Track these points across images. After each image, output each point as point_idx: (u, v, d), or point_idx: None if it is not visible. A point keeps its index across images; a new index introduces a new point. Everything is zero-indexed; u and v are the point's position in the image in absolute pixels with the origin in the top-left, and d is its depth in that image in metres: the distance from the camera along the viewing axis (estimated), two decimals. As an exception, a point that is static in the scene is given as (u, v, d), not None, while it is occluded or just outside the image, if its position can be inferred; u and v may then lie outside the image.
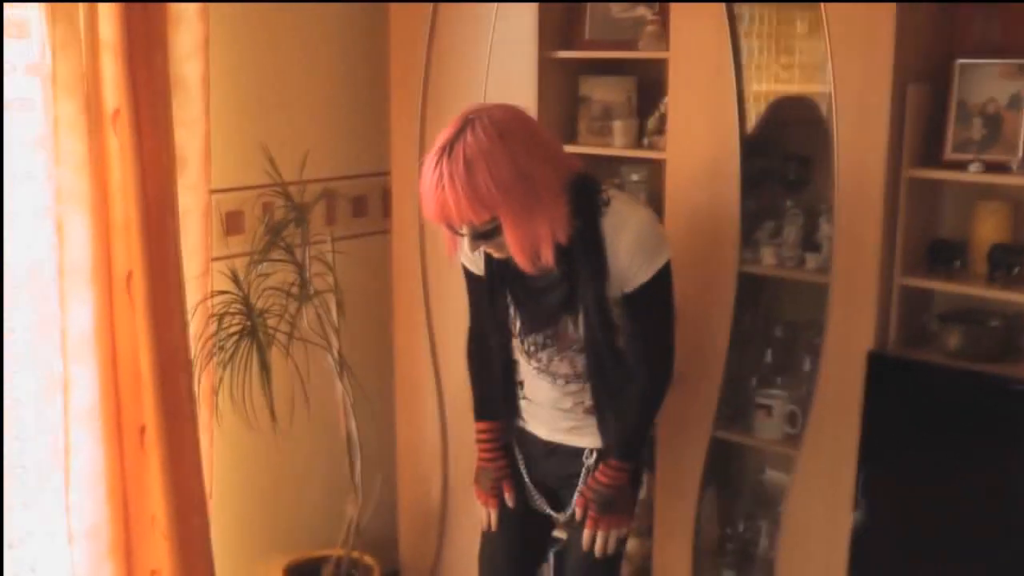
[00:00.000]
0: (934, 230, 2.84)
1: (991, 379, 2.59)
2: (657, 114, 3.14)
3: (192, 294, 3.05)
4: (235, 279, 2.99)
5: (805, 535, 2.91)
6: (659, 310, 2.49)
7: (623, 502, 2.59)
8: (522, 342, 2.55)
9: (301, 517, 3.76)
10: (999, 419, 2.58)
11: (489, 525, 2.75)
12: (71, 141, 2.79)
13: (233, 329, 2.99)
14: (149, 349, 2.85)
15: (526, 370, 2.61)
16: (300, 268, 3.15)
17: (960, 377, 2.63)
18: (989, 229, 2.71)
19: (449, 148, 2.20)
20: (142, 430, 2.94)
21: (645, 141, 3.16)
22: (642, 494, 3.25)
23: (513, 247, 2.29)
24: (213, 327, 3.00)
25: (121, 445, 2.97)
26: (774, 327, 3.10)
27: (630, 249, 2.37)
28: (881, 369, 2.68)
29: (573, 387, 2.56)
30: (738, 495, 3.29)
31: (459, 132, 2.21)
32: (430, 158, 2.23)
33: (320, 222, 3.52)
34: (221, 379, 3.04)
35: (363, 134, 3.70)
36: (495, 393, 2.69)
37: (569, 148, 3.23)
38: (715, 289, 2.94)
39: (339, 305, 3.29)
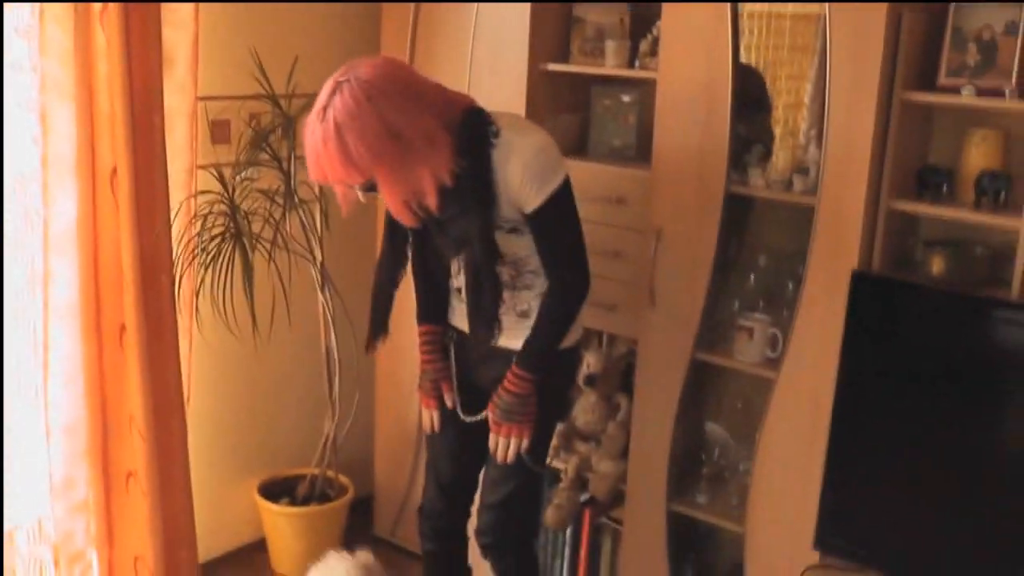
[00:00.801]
0: (924, 156, 2.83)
1: (974, 301, 2.59)
2: (650, 37, 3.12)
3: (176, 195, 3.02)
4: (220, 179, 2.97)
5: (781, 459, 2.92)
6: (560, 229, 2.55)
7: (525, 411, 2.62)
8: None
9: (278, 434, 3.77)
10: (980, 342, 2.58)
11: (432, 427, 2.84)
12: (57, 32, 2.77)
13: (217, 230, 2.97)
14: (131, 247, 2.83)
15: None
16: (286, 174, 3.13)
17: (943, 298, 2.63)
18: (979, 156, 2.70)
19: (323, 112, 2.24)
20: (122, 329, 2.93)
21: (637, 63, 3.14)
22: (620, 416, 3.28)
23: (390, 203, 2.38)
24: (196, 228, 2.97)
25: (100, 343, 2.95)
26: (759, 253, 3.10)
27: (519, 175, 2.42)
28: (864, 290, 2.67)
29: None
30: (717, 420, 3.29)
31: (331, 96, 2.24)
32: (309, 121, 2.28)
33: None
34: (202, 281, 3.03)
35: (354, 49, 3.65)
36: (432, 299, 2.78)
37: (560, 68, 3.23)
38: (701, 210, 2.93)
39: (324, 214, 3.27)
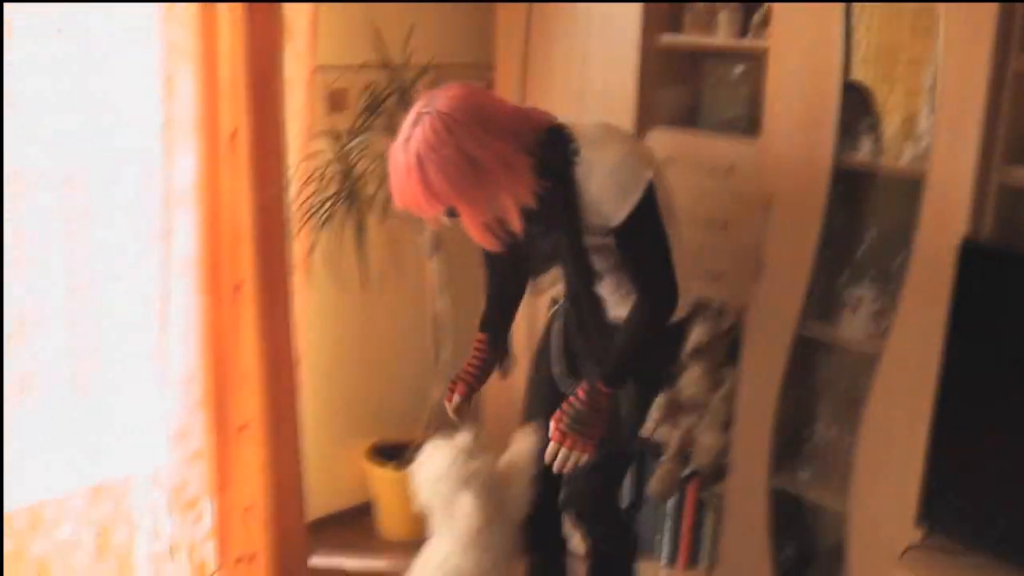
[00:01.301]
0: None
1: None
2: (763, 8, 3.10)
3: (294, 158, 3.13)
4: (335, 141, 3.05)
5: (886, 436, 2.88)
6: (645, 242, 2.53)
7: (594, 426, 2.57)
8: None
9: (387, 398, 3.86)
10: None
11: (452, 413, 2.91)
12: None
13: (330, 191, 3.06)
14: (249, 205, 2.95)
15: None
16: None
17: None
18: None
19: (406, 144, 2.30)
20: (238, 286, 3.04)
21: (749, 34, 3.12)
22: (724, 388, 3.27)
23: (471, 229, 2.43)
24: (311, 189, 3.07)
25: (218, 298, 3.07)
26: (869, 227, 3.05)
27: (600, 191, 2.43)
28: (972, 260, 2.60)
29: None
30: (820, 396, 3.25)
31: (412, 127, 2.30)
32: (393, 150, 2.35)
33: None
34: (315, 241, 3.12)
35: (470, 24, 3.72)
36: (499, 311, 2.88)
37: (673, 39, 3.23)
38: (810, 180, 2.91)
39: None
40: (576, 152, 2.44)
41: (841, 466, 3.06)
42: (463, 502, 2.71)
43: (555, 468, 2.59)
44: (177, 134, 2.95)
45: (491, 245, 2.47)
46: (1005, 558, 2.66)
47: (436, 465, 2.75)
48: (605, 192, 2.43)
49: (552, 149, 2.43)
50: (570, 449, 2.56)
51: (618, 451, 2.79)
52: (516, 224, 2.40)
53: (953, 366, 2.67)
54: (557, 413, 2.59)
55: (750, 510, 3.20)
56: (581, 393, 2.57)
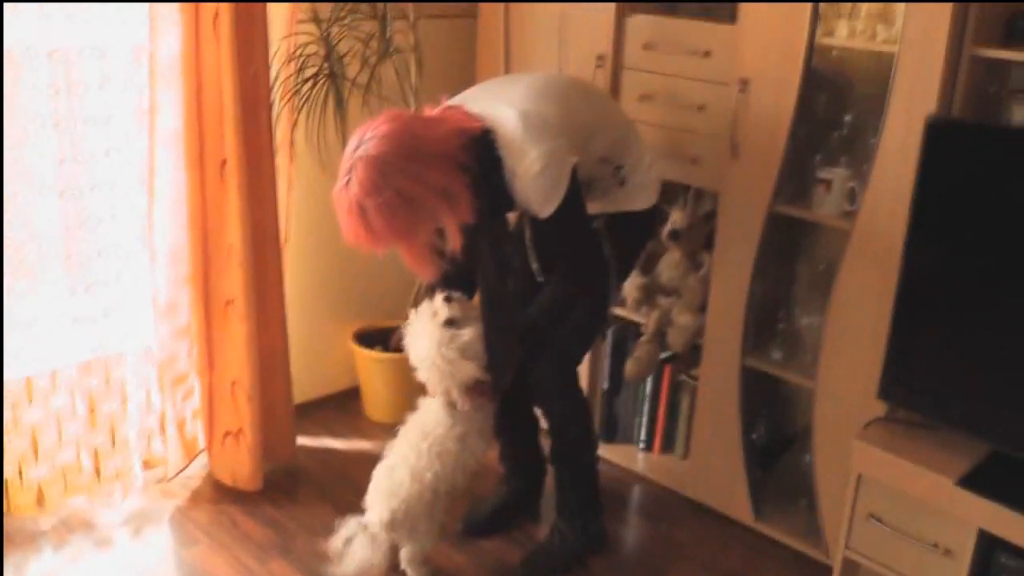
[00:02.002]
0: (1019, 6, 2.77)
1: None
2: None
3: (276, 39, 3.16)
4: (316, 19, 3.09)
5: (853, 314, 2.94)
6: (566, 236, 2.72)
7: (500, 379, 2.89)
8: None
9: (372, 285, 3.92)
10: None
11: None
12: None
13: (311, 71, 3.10)
14: (232, 82, 2.99)
15: None
16: (381, 20, 3.24)
17: (1018, 140, 2.59)
18: (1073, 3, 2.65)
19: (346, 187, 2.40)
20: (223, 163, 3.09)
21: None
22: (702, 271, 3.33)
23: (410, 262, 2.60)
24: (293, 67, 3.11)
25: (203, 174, 3.13)
26: (845, 109, 3.09)
27: (526, 193, 2.59)
28: (939, 136, 2.64)
29: None
30: (793, 278, 3.32)
31: (348, 173, 2.40)
32: (336, 191, 2.44)
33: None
34: (296, 120, 3.17)
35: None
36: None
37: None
38: (785, 61, 2.94)
39: (419, 64, 3.38)
40: (500, 160, 2.56)
41: (813, 347, 3.14)
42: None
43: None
44: (161, 9, 2.98)
45: (428, 275, 2.64)
46: (962, 430, 2.74)
47: (425, 332, 2.85)
48: (531, 194, 2.59)
49: (482, 161, 2.52)
50: (468, 396, 2.87)
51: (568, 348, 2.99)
52: (456, 243, 2.51)
53: (918, 243, 2.72)
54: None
55: (722, 389, 3.28)
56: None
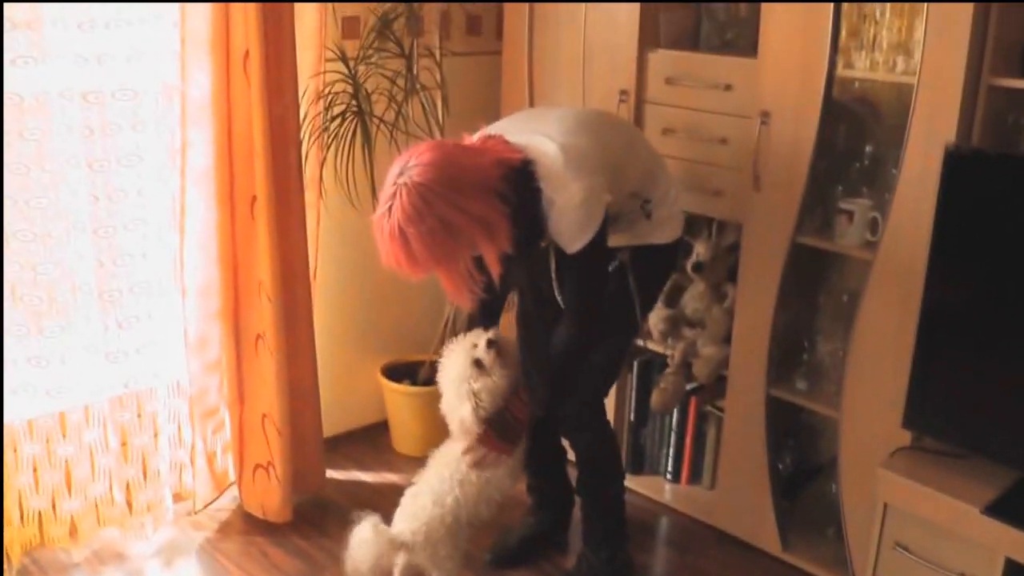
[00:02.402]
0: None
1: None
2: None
3: (305, 78, 3.23)
4: (343, 58, 3.15)
5: (876, 343, 2.96)
6: (580, 278, 2.75)
7: (514, 438, 2.95)
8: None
9: (401, 318, 3.98)
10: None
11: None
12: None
13: (338, 108, 3.16)
14: (262, 120, 3.05)
15: None
16: (408, 58, 3.30)
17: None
18: (1089, 32, 2.67)
19: (388, 213, 2.41)
20: (253, 200, 3.15)
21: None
22: (727, 302, 3.36)
23: (450, 290, 2.59)
24: (321, 105, 3.17)
25: (233, 211, 3.19)
26: (866, 140, 3.12)
27: (560, 226, 2.62)
28: (958, 166, 2.66)
29: None
30: (817, 308, 3.33)
31: (391, 199, 2.40)
32: (377, 217, 2.45)
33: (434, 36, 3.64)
34: (325, 158, 3.23)
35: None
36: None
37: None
38: (805, 94, 2.97)
39: (445, 101, 3.43)
40: (540, 191, 2.58)
41: (837, 376, 3.15)
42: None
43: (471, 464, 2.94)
44: (191, 49, 3.06)
45: (466, 303, 2.62)
46: (989, 458, 2.74)
47: (456, 364, 2.90)
48: (564, 227, 2.62)
49: (521, 192, 2.54)
50: (488, 450, 2.91)
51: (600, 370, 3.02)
52: (496, 272, 2.55)
53: (939, 271, 2.74)
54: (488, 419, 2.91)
55: (748, 420, 3.30)
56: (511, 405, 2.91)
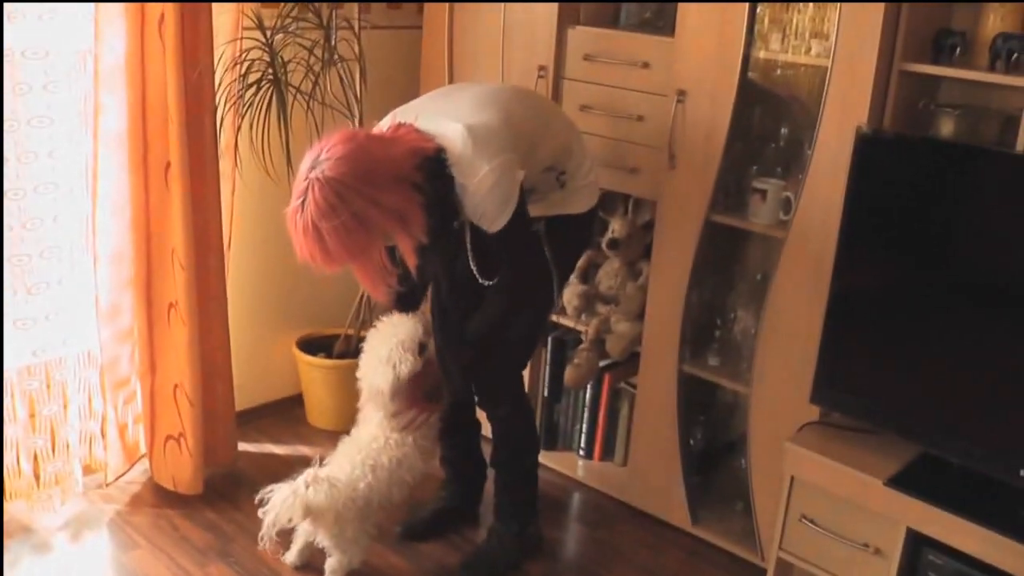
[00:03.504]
0: (947, 21, 2.86)
1: (970, 151, 2.63)
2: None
3: (220, 43, 3.18)
4: (260, 26, 3.12)
5: (787, 320, 3.01)
6: (512, 248, 2.74)
7: (437, 392, 2.99)
8: None
9: (316, 293, 3.93)
10: (978, 196, 2.63)
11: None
12: None
13: (254, 76, 3.13)
14: (176, 85, 3.00)
15: None
16: (326, 29, 3.27)
17: (942, 152, 2.68)
18: (997, 21, 2.73)
19: (300, 207, 2.38)
20: (167, 166, 3.10)
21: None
22: (640, 279, 3.39)
23: (363, 282, 2.62)
24: (237, 72, 3.14)
25: (146, 177, 3.14)
26: (781, 122, 3.16)
27: (478, 209, 2.63)
28: (868, 148, 2.72)
29: None
30: (730, 286, 3.38)
31: (304, 193, 2.38)
32: (290, 212, 2.43)
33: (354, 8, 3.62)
34: (240, 126, 3.19)
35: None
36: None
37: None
38: (721, 74, 3.01)
39: (363, 74, 3.41)
40: (453, 178, 2.58)
41: (749, 353, 3.20)
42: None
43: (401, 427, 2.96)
44: (105, 13, 3.00)
45: (381, 295, 2.64)
46: (893, 433, 2.82)
47: (386, 341, 2.89)
48: (482, 211, 2.62)
49: (435, 181, 2.53)
50: (418, 412, 2.96)
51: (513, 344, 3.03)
52: (412, 262, 2.55)
53: (848, 251, 2.81)
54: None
55: (661, 398, 3.34)
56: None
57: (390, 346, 2.89)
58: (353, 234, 2.38)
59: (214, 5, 3.12)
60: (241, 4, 3.28)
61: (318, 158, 2.39)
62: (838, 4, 2.77)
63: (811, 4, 2.94)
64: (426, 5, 3.66)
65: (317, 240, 2.37)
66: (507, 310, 2.84)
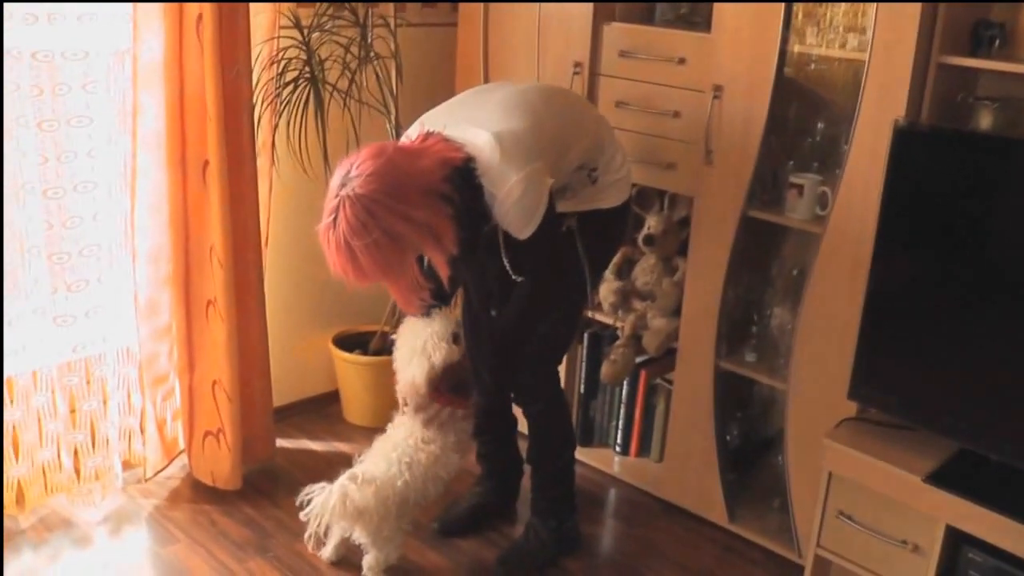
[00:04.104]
0: (987, 13, 2.84)
1: (1010, 144, 2.61)
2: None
3: (258, 42, 3.21)
4: (297, 24, 3.14)
5: (824, 316, 3.00)
6: (537, 255, 2.74)
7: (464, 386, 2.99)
8: None
9: (352, 290, 3.94)
10: (1017, 184, 2.60)
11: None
12: None
13: (291, 74, 3.15)
14: (214, 83, 3.03)
15: None
16: (362, 27, 3.29)
17: (981, 145, 2.66)
18: (1035, 13, 2.72)
19: (332, 224, 2.38)
20: (205, 164, 3.13)
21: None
22: (677, 275, 3.38)
23: (396, 297, 2.62)
24: (275, 71, 3.16)
25: (184, 175, 3.16)
26: (818, 117, 3.15)
27: (507, 218, 2.62)
28: (905, 142, 2.70)
29: None
30: (767, 282, 3.37)
31: (335, 211, 2.37)
32: (322, 231, 2.42)
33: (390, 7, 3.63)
34: (277, 124, 3.21)
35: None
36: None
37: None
38: (757, 69, 3.00)
39: (399, 71, 3.43)
40: (482, 187, 2.57)
41: (785, 349, 3.19)
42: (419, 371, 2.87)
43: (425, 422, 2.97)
44: (143, 12, 3.03)
45: (413, 309, 2.69)
46: (931, 429, 2.79)
47: (419, 333, 2.90)
48: (511, 218, 2.62)
49: (465, 191, 2.52)
50: (441, 406, 2.94)
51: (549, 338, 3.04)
52: (444, 274, 2.56)
53: (886, 246, 2.78)
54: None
55: (698, 395, 3.33)
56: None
57: (424, 337, 2.89)
58: (385, 251, 2.38)
59: (251, 4, 3.14)
60: (278, 3, 3.30)
61: (348, 174, 2.38)
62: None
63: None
64: (461, 4, 3.66)
65: (350, 257, 2.37)
66: (526, 310, 2.84)
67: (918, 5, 2.67)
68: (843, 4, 2.93)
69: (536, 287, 2.82)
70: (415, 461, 2.95)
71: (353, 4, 3.35)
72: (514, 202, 2.57)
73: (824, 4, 2.96)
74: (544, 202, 2.62)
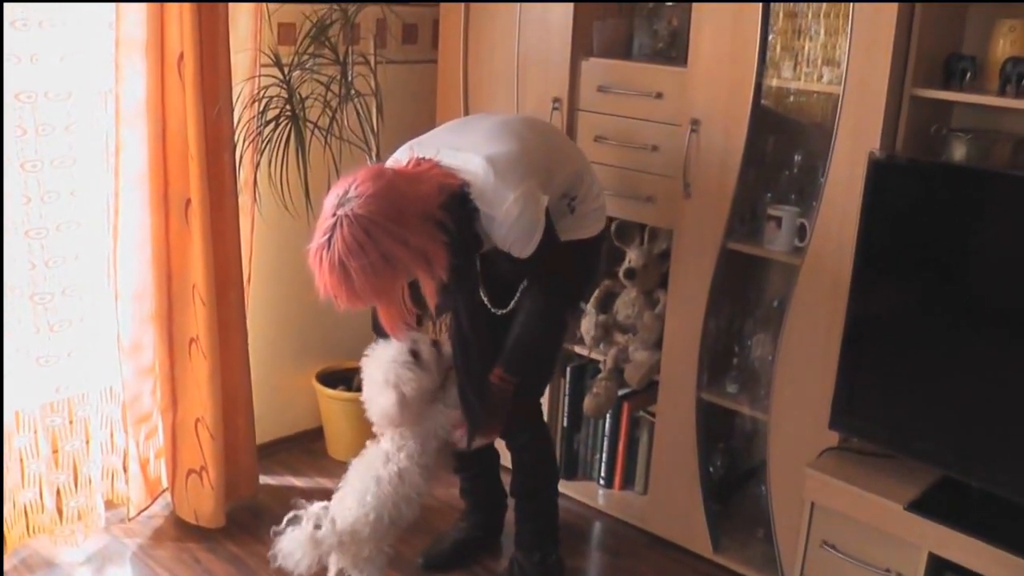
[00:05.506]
0: (958, 46, 2.89)
1: (981, 175, 2.67)
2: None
3: (239, 81, 3.23)
4: (278, 63, 3.16)
5: (803, 347, 3.02)
6: (547, 260, 2.72)
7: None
8: None
9: (336, 325, 3.94)
10: (993, 220, 2.64)
11: None
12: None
13: (272, 113, 3.17)
14: (196, 123, 3.05)
15: None
16: (343, 65, 3.32)
17: (955, 176, 2.70)
18: (1007, 46, 2.75)
19: (327, 244, 2.35)
20: (187, 203, 3.15)
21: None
22: (658, 308, 3.41)
23: (384, 320, 2.62)
24: (256, 110, 3.18)
25: (167, 214, 3.18)
26: (795, 150, 3.18)
27: (506, 240, 2.63)
28: (880, 173, 2.74)
29: None
30: (747, 313, 3.39)
31: (331, 230, 2.35)
32: (314, 249, 2.39)
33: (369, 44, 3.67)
34: (259, 162, 3.23)
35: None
36: None
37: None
38: (734, 102, 3.04)
39: (379, 108, 3.45)
40: (476, 209, 2.58)
41: (767, 380, 3.21)
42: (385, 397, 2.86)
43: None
44: (125, 51, 3.06)
45: (400, 333, 2.68)
46: (912, 457, 2.82)
47: (382, 360, 2.89)
48: (513, 237, 2.63)
49: (460, 217, 2.53)
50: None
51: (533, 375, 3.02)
52: (432, 301, 2.56)
53: (864, 276, 2.82)
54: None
55: (680, 426, 3.34)
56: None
57: (384, 368, 2.88)
58: (380, 273, 2.36)
59: (232, 44, 3.16)
60: (259, 43, 3.33)
61: (346, 195, 2.36)
62: (848, 27, 2.80)
63: (822, 32, 2.97)
64: (441, 39, 3.70)
65: (343, 278, 2.35)
66: (555, 322, 2.89)
67: (890, 37, 2.71)
68: (820, 36, 2.97)
69: (547, 307, 2.82)
70: (380, 476, 2.91)
71: (334, 43, 3.37)
72: (513, 220, 2.58)
73: (801, 36, 3.00)
74: (542, 218, 2.64)
